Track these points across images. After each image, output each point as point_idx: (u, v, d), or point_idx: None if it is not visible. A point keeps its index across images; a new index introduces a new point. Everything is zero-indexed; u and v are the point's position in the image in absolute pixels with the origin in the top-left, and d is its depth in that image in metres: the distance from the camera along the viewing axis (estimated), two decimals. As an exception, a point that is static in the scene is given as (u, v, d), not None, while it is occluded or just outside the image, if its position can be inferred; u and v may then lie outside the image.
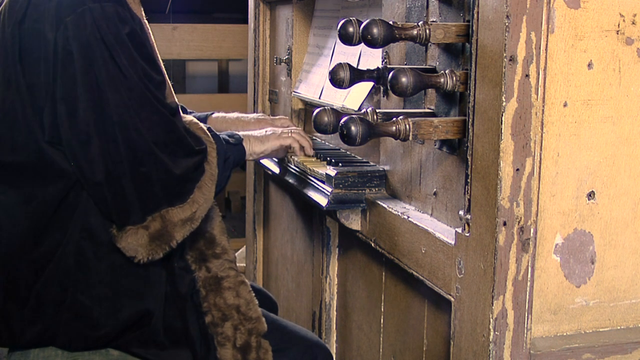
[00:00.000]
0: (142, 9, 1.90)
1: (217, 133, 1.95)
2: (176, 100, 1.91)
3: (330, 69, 1.69)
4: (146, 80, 1.72)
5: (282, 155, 2.28)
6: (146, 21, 1.88)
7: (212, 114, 2.43)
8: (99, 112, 1.68)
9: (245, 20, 3.33)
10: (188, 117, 1.89)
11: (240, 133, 2.10)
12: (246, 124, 2.39)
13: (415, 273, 1.67)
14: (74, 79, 1.67)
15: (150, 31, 1.88)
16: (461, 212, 1.48)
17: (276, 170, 2.46)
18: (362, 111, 1.68)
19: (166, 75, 1.88)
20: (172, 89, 1.89)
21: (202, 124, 1.89)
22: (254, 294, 1.94)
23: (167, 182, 1.73)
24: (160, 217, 1.73)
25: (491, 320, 1.39)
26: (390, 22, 1.57)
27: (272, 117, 2.49)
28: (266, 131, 2.18)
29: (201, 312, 1.87)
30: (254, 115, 2.49)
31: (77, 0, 1.69)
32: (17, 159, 1.76)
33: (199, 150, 1.80)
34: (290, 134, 2.18)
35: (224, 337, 1.87)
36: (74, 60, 1.67)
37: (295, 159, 2.28)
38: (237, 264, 2.01)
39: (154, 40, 1.88)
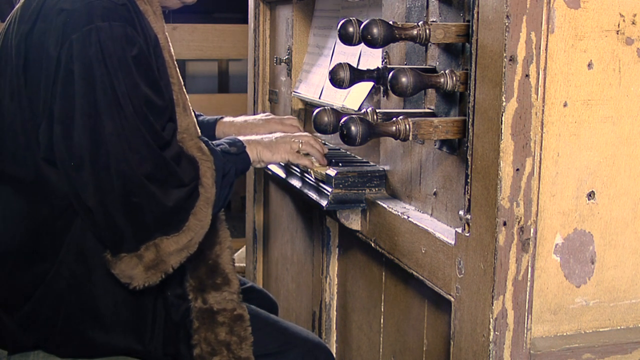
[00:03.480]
0: (163, 21, 1.83)
1: (216, 145, 1.87)
2: (191, 112, 1.85)
3: (330, 69, 1.69)
4: (145, 109, 1.67)
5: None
6: (166, 34, 1.82)
7: (222, 118, 2.35)
8: (93, 139, 1.63)
9: (245, 20, 3.32)
10: (182, 135, 1.81)
11: (246, 138, 2.01)
12: (254, 127, 2.31)
13: (415, 273, 1.67)
14: (72, 101, 1.63)
15: (169, 42, 1.82)
16: (461, 212, 1.48)
17: (276, 170, 2.46)
18: (362, 111, 1.68)
19: (182, 88, 1.82)
20: (187, 104, 1.84)
21: (197, 140, 1.82)
22: (250, 331, 1.89)
23: (159, 213, 1.68)
24: (154, 247, 1.68)
25: (491, 320, 1.39)
26: (390, 22, 1.57)
27: (280, 117, 2.42)
28: (276, 138, 2.06)
29: (191, 344, 1.84)
30: (261, 115, 2.42)
31: (85, 17, 1.64)
32: (17, 172, 1.74)
33: (190, 179, 1.74)
34: (301, 145, 2.06)
35: None
36: (74, 81, 1.62)
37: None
38: (237, 264, 1.98)
39: (172, 52, 1.83)
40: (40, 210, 1.74)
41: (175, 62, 1.85)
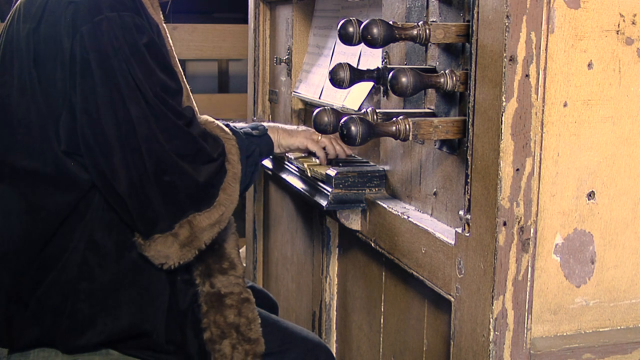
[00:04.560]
0: (160, 13, 1.87)
1: (238, 128, 1.93)
2: (194, 103, 1.89)
3: (330, 69, 1.69)
4: (162, 92, 1.71)
5: (304, 153, 2.26)
6: (164, 25, 1.86)
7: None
8: (121, 124, 1.66)
9: (245, 20, 3.33)
10: (204, 117, 1.87)
11: (268, 124, 2.08)
12: None
13: (415, 273, 1.67)
14: (93, 90, 1.66)
15: (168, 34, 1.86)
16: (461, 212, 1.48)
17: (276, 170, 2.46)
18: (362, 111, 1.68)
19: (184, 79, 1.86)
20: (189, 92, 1.88)
21: (219, 122, 1.87)
22: (257, 313, 1.92)
23: (192, 189, 1.72)
24: (188, 224, 1.73)
25: (491, 320, 1.39)
26: (390, 22, 1.57)
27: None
28: (298, 127, 2.16)
29: (200, 328, 1.86)
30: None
31: (94, 8, 1.67)
32: (32, 165, 1.75)
33: (218, 154, 1.79)
34: (320, 138, 2.13)
35: (221, 355, 1.85)
36: (93, 71, 1.65)
37: (293, 157, 2.28)
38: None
39: (172, 44, 1.86)
40: (55, 201, 1.76)
41: (175, 54, 1.88)
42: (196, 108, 1.89)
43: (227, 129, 1.87)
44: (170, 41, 1.86)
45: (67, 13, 1.67)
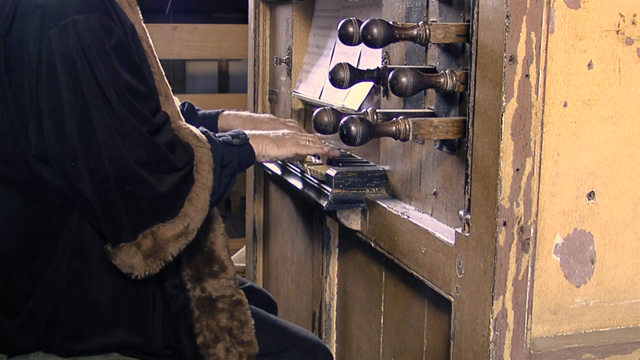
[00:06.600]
0: (139, 12, 1.83)
1: (217, 136, 1.87)
2: (176, 104, 1.85)
3: (330, 69, 1.69)
4: (129, 97, 1.67)
5: (295, 160, 2.22)
6: (143, 25, 1.83)
7: (223, 111, 2.38)
8: (84, 130, 1.64)
9: (245, 20, 3.33)
10: (178, 123, 1.81)
11: (252, 132, 2.00)
12: (259, 122, 2.33)
13: (415, 273, 1.67)
14: (59, 95, 1.64)
15: (147, 33, 1.83)
16: (461, 212, 1.48)
17: (276, 170, 2.46)
18: (362, 111, 1.68)
19: (165, 80, 1.83)
20: (169, 93, 1.85)
21: (194, 129, 1.81)
22: (250, 314, 1.90)
23: (153, 200, 1.68)
24: (151, 234, 1.69)
25: (491, 320, 1.39)
26: (390, 22, 1.57)
27: (283, 119, 2.45)
28: (283, 134, 2.07)
29: (193, 333, 1.85)
30: (266, 115, 2.45)
31: (61, 12, 1.64)
32: (8, 173, 1.74)
33: (184, 164, 1.73)
34: (308, 143, 2.07)
35: (216, 358, 1.84)
36: (58, 75, 1.63)
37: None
38: (237, 264, 1.98)
39: (151, 43, 1.83)
40: (35, 208, 1.74)
41: (155, 53, 1.85)
42: (178, 110, 1.85)
43: (202, 137, 1.80)
44: (150, 41, 1.83)
45: (34, 17, 1.66)
